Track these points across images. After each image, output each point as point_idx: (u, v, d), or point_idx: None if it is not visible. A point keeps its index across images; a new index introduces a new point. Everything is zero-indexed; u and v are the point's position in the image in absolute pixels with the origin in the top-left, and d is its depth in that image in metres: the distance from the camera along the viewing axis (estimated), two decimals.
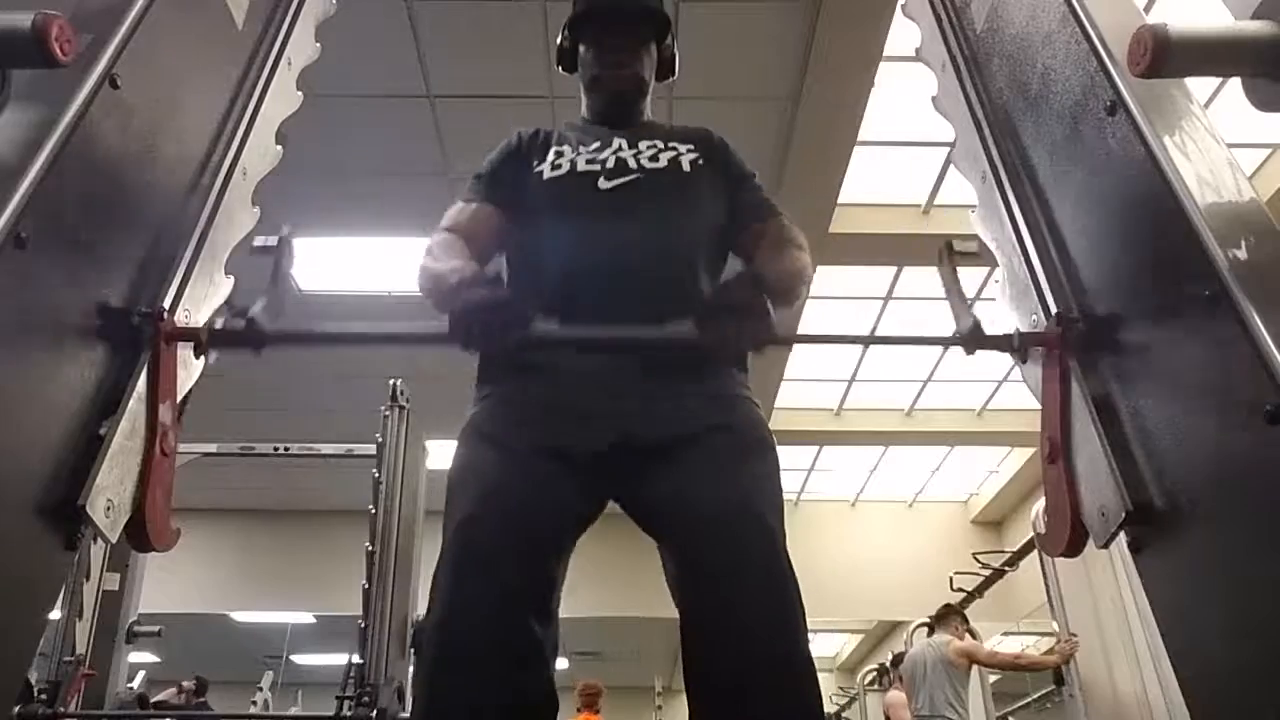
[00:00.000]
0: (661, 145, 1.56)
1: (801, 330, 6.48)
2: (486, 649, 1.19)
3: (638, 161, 1.52)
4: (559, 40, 1.69)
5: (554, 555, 1.30)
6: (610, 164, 1.51)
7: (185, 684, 6.29)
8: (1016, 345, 1.15)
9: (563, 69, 1.70)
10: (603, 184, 1.49)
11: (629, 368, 1.38)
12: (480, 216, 1.53)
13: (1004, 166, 1.26)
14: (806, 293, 1.50)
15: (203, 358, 1.14)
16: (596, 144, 1.55)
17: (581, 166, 1.52)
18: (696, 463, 1.31)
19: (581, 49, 1.65)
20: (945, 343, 1.23)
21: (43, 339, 0.90)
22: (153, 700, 5.85)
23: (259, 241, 1.23)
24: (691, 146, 1.57)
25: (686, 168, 1.54)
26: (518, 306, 1.23)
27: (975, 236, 1.30)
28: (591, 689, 7.02)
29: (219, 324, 1.15)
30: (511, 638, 1.20)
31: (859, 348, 7.13)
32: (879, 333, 6.92)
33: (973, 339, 1.19)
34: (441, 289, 1.32)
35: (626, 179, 1.50)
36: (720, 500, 1.27)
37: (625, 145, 1.54)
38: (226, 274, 1.24)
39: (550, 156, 1.55)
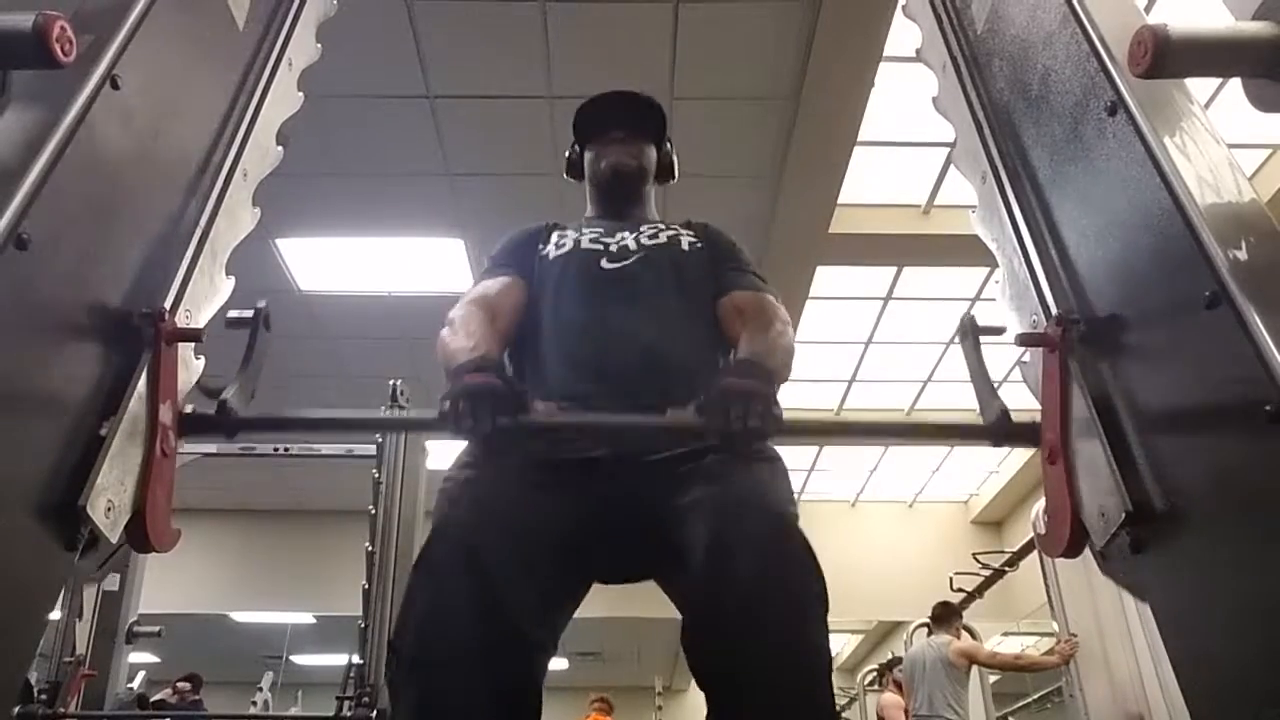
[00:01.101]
0: (663, 227, 1.64)
1: (801, 331, 6.50)
2: (464, 649, 1.16)
3: (639, 243, 1.58)
4: (566, 153, 1.78)
5: (543, 560, 1.26)
6: (614, 248, 1.57)
7: (180, 684, 6.27)
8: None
9: (572, 178, 1.79)
10: (605, 264, 1.55)
11: (630, 388, 1.39)
12: (507, 287, 1.56)
13: (1004, 167, 1.26)
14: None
15: (203, 358, 1.14)
16: (601, 229, 1.62)
17: (585, 245, 1.58)
18: (700, 471, 1.31)
19: (586, 151, 1.73)
20: (971, 435, 1.17)
21: (43, 339, 0.90)
22: (152, 700, 5.85)
23: (234, 314, 1.18)
24: (692, 234, 1.65)
25: (685, 248, 1.61)
26: (512, 395, 1.21)
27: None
28: (605, 700, 7.07)
29: (189, 409, 1.10)
30: (490, 638, 1.17)
31: (860, 347, 7.14)
32: (878, 338, 6.94)
33: (1001, 431, 1.13)
34: (449, 368, 1.33)
35: (628, 261, 1.55)
36: (736, 498, 1.26)
37: (628, 232, 1.60)
38: (227, 274, 1.24)
39: (554, 238, 1.62)
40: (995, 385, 1.15)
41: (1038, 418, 1.10)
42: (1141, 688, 4.19)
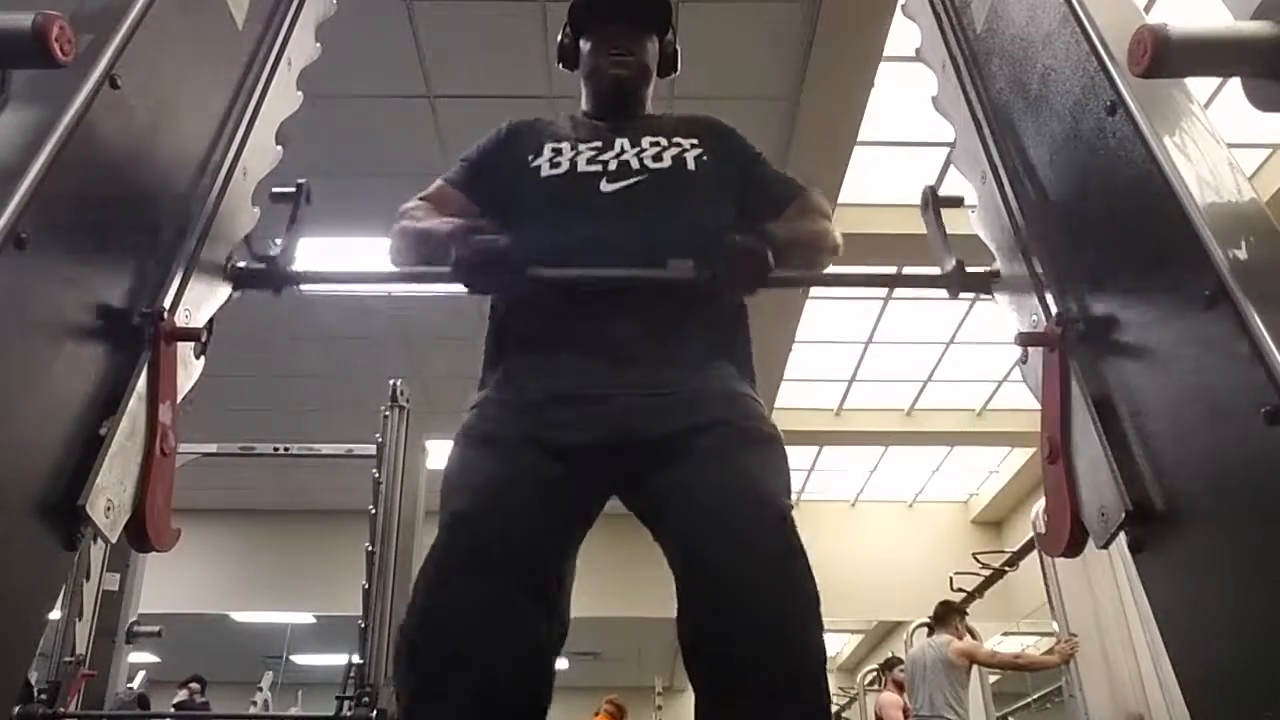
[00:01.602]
0: (665, 143, 1.53)
1: (801, 331, 6.50)
2: (470, 642, 1.17)
3: (641, 161, 1.49)
4: (560, 37, 1.67)
5: (548, 548, 1.28)
6: (613, 166, 1.48)
7: (192, 685, 6.28)
8: (996, 289, 1.23)
9: (564, 66, 1.68)
10: (605, 186, 1.46)
11: (627, 367, 1.36)
12: (452, 199, 1.54)
13: (1004, 166, 1.25)
14: (828, 260, 1.52)
15: (203, 358, 1.14)
16: (598, 143, 1.52)
17: (583, 166, 1.49)
18: (700, 453, 1.29)
19: (582, 42, 1.63)
20: (930, 283, 1.31)
21: (43, 339, 0.90)
22: (174, 703, 5.86)
23: (277, 189, 1.31)
24: (695, 140, 1.54)
25: (692, 165, 1.51)
26: (517, 254, 1.29)
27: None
28: (616, 703, 7.08)
29: (240, 263, 1.23)
30: (497, 631, 1.18)
31: (859, 348, 7.14)
32: (878, 337, 6.94)
33: (956, 280, 1.27)
34: (434, 238, 1.35)
35: (630, 181, 1.47)
36: (728, 485, 1.26)
37: (628, 145, 1.51)
38: (224, 279, 1.24)
39: (548, 153, 1.51)
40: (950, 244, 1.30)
41: (1037, 416, 1.10)
42: (1141, 688, 4.19)
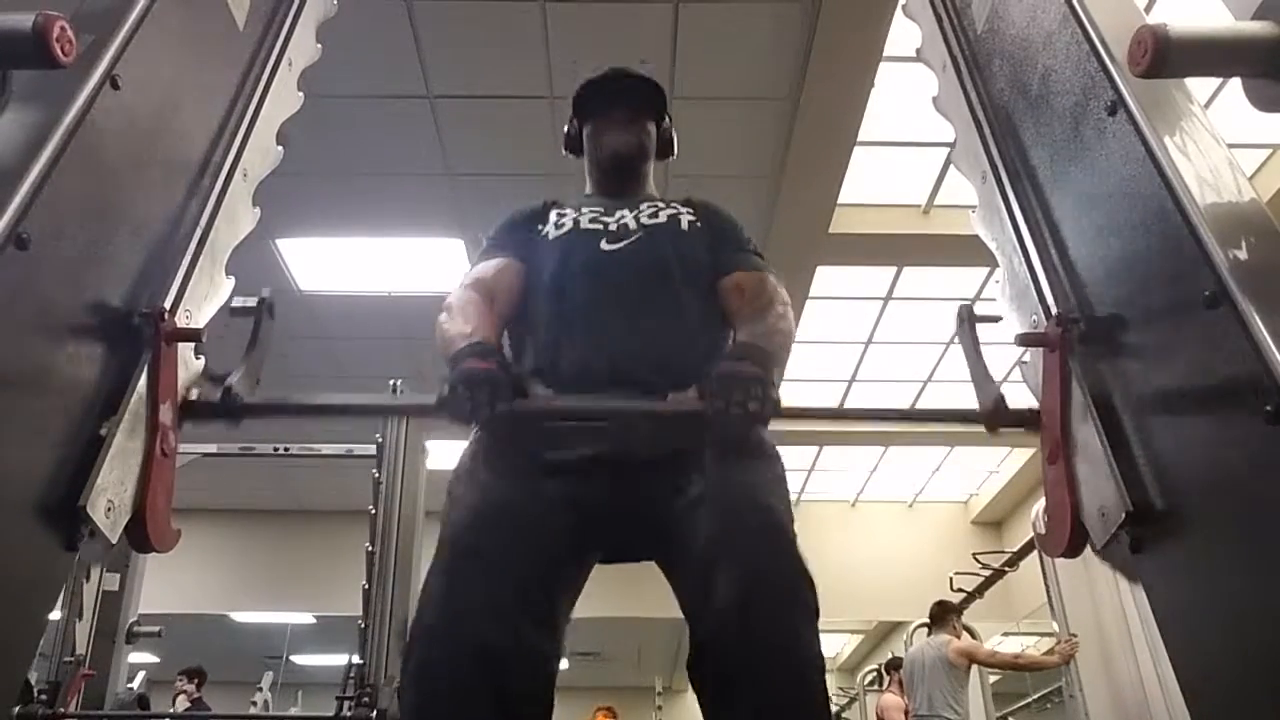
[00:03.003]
0: (662, 205, 1.62)
1: (801, 331, 6.50)
2: (474, 655, 1.18)
3: (638, 221, 1.56)
4: (565, 128, 1.76)
5: (551, 563, 1.28)
6: (614, 227, 1.55)
7: (188, 687, 6.26)
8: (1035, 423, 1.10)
9: (571, 154, 1.77)
10: (605, 245, 1.53)
11: (629, 387, 1.37)
12: (503, 270, 1.56)
13: (1004, 166, 1.26)
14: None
15: (203, 358, 1.14)
16: (600, 209, 1.60)
17: (585, 225, 1.56)
18: (700, 469, 1.31)
19: (585, 128, 1.71)
20: (968, 421, 1.18)
21: (43, 339, 0.90)
22: (185, 709, 5.84)
23: (238, 302, 1.21)
24: (690, 211, 1.63)
25: (684, 227, 1.59)
26: (509, 380, 1.25)
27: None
28: (611, 710, 7.10)
29: (194, 394, 1.11)
30: (500, 645, 1.19)
31: (860, 347, 7.13)
32: (878, 337, 6.94)
33: (996, 416, 1.14)
34: (448, 354, 1.34)
35: (628, 241, 1.54)
36: (731, 506, 1.27)
37: (628, 211, 1.59)
38: (227, 274, 1.24)
39: (553, 218, 1.60)
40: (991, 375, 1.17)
41: (1033, 403, 1.10)
42: (1141, 688, 4.19)
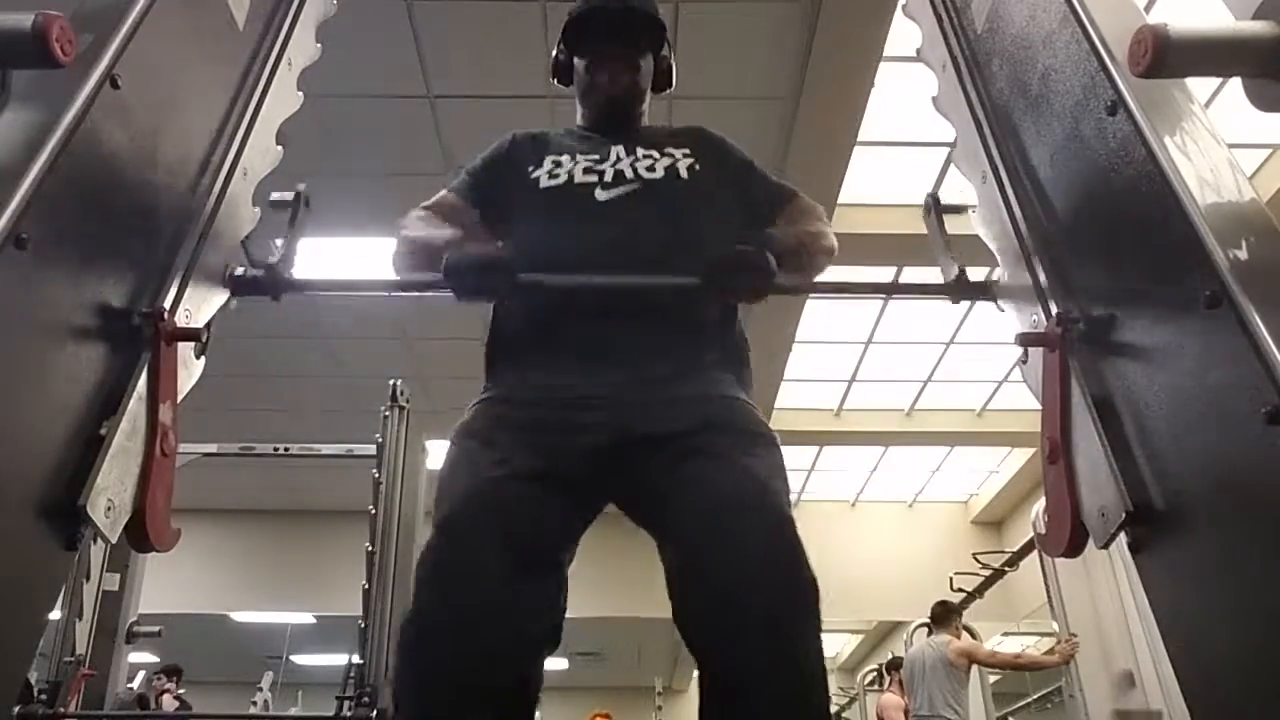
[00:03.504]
0: (657, 154, 1.55)
1: (801, 331, 6.50)
2: (466, 646, 1.18)
3: (635, 171, 1.51)
4: (554, 53, 1.68)
5: (543, 552, 1.28)
6: (608, 175, 1.51)
7: (169, 685, 6.20)
8: (996, 294, 1.24)
9: (559, 81, 1.69)
10: (600, 195, 1.49)
11: (625, 372, 1.37)
12: (458, 209, 1.55)
13: (1004, 166, 1.26)
14: (826, 262, 1.54)
15: (203, 358, 1.14)
16: (595, 155, 1.54)
17: (579, 177, 1.51)
18: (698, 455, 1.30)
19: (577, 60, 1.64)
20: (930, 291, 1.33)
21: (43, 339, 0.90)
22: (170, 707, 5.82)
23: (275, 196, 1.31)
24: (687, 150, 1.56)
25: (684, 174, 1.53)
26: (508, 260, 1.30)
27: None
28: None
29: (239, 271, 1.24)
30: (490, 632, 1.19)
31: (859, 348, 7.14)
32: (878, 337, 6.94)
33: (957, 287, 1.28)
34: (432, 247, 1.36)
35: (624, 189, 1.49)
36: (729, 487, 1.26)
37: (623, 154, 1.54)
38: (223, 285, 1.24)
39: (547, 165, 1.54)
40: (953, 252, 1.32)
41: (1037, 416, 1.10)
42: (1141, 688, 4.19)
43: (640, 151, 1.54)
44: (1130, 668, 4.25)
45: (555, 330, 1.42)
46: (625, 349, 1.38)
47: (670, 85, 1.71)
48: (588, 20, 1.62)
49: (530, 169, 1.54)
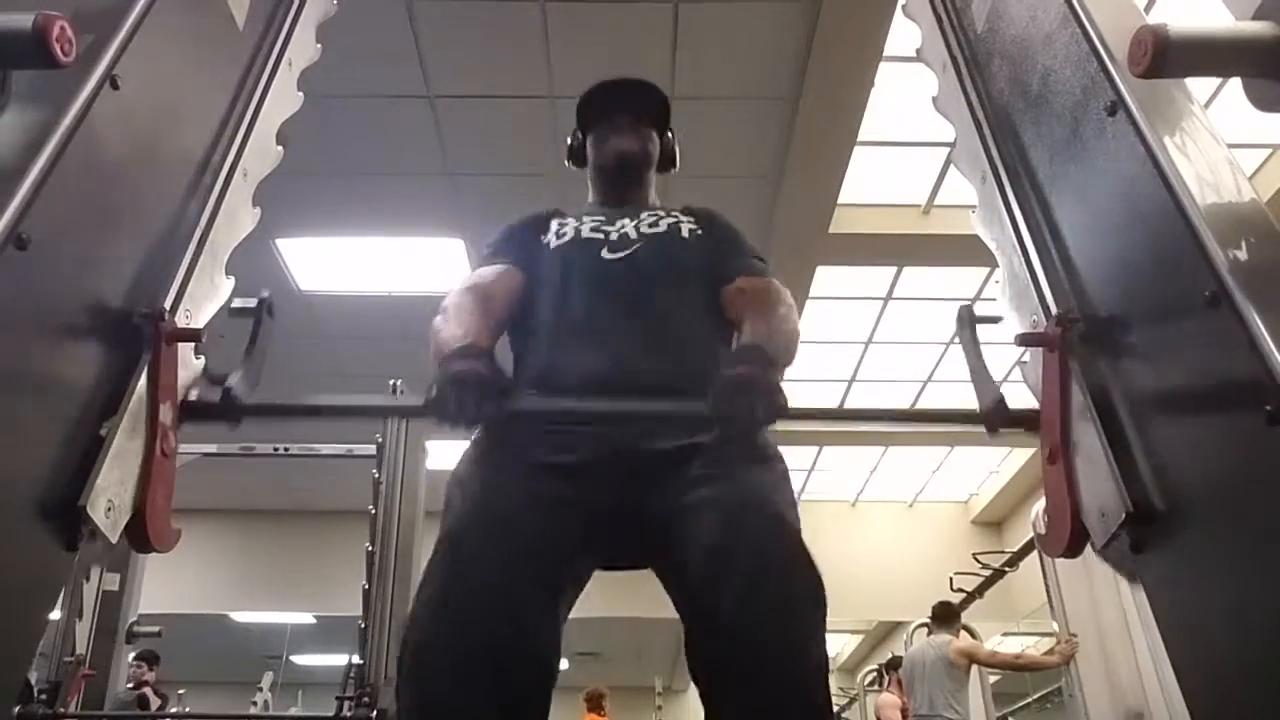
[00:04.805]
0: (663, 214, 1.62)
1: (801, 330, 6.50)
2: (470, 658, 1.17)
3: (638, 230, 1.57)
4: (569, 140, 1.76)
5: (550, 566, 1.27)
6: (615, 236, 1.56)
7: (147, 674, 6.11)
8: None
9: (574, 165, 1.77)
10: (606, 254, 1.54)
11: (629, 387, 1.37)
12: (502, 275, 1.56)
13: (1004, 167, 1.26)
14: (796, 348, 1.50)
15: (203, 358, 1.14)
16: (602, 218, 1.60)
17: (586, 234, 1.57)
18: (705, 470, 1.31)
19: (590, 134, 1.72)
20: (968, 422, 1.17)
21: (43, 339, 0.90)
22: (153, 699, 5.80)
23: (238, 303, 1.20)
24: (692, 219, 1.63)
25: (685, 235, 1.59)
26: (496, 381, 1.24)
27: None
28: (596, 692, 7.09)
29: (194, 395, 1.10)
30: (499, 649, 1.18)
31: (860, 347, 7.14)
32: (878, 337, 6.94)
33: (996, 417, 1.13)
34: (439, 356, 1.33)
35: (629, 250, 1.54)
36: (738, 501, 1.27)
37: (629, 220, 1.59)
38: (227, 274, 1.24)
39: (554, 227, 1.61)
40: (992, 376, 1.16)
41: (1034, 403, 1.10)
42: (1141, 688, 4.19)
43: (645, 214, 1.62)
44: (1130, 668, 4.25)
45: (563, 349, 1.46)
46: (632, 367, 1.40)
47: (674, 167, 1.79)
48: (597, 98, 1.71)
49: (541, 236, 1.61)
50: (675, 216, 1.63)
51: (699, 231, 1.61)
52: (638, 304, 1.49)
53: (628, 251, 1.54)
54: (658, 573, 1.37)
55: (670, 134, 1.76)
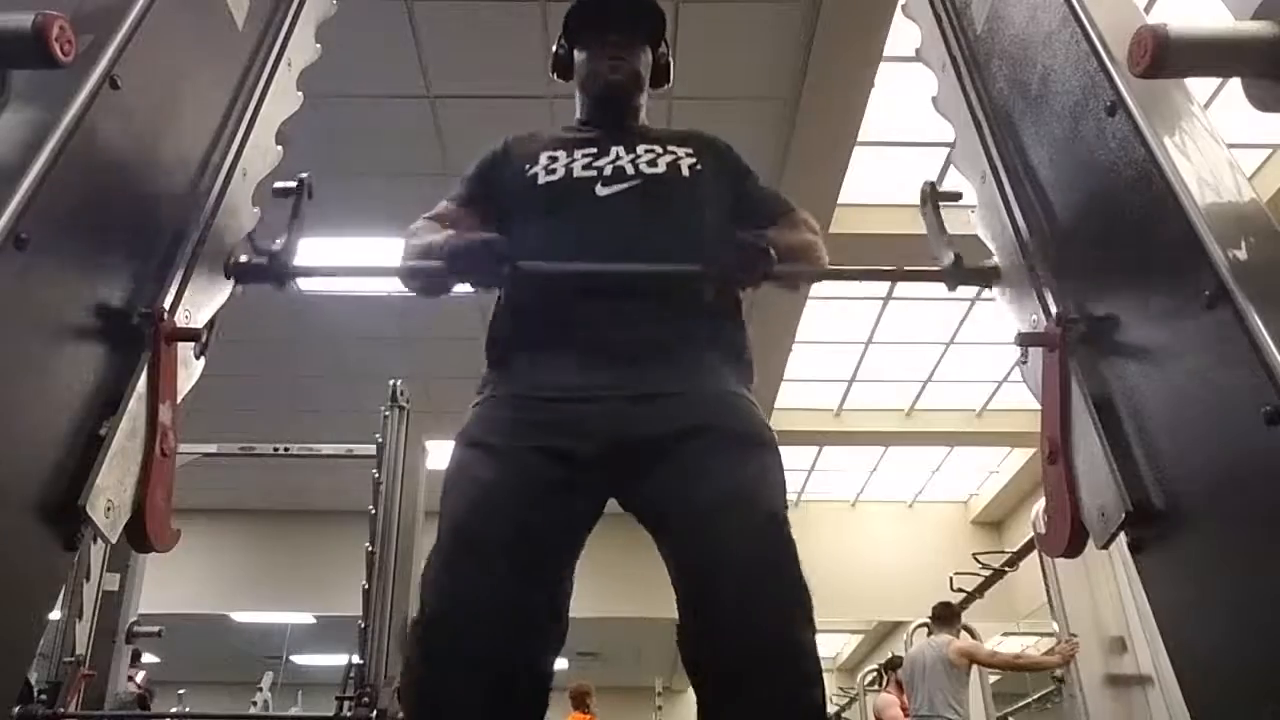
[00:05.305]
0: (659, 150, 1.54)
1: (801, 331, 6.50)
2: (477, 648, 1.19)
3: (636, 167, 1.51)
4: (554, 48, 1.68)
5: (549, 554, 1.29)
6: (608, 171, 1.50)
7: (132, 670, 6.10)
8: (994, 282, 1.25)
9: (559, 76, 1.69)
10: (600, 190, 1.48)
11: (623, 369, 1.37)
12: (459, 216, 1.54)
13: (1004, 167, 1.26)
14: (818, 272, 1.56)
15: (203, 358, 1.14)
16: (593, 149, 1.53)
17: (578, 172, 1.50)
18: (696, 455, 1.30)
19: (577, 51, 1.64)
20: (929, 277, 1.32)
21: (43, 339, 0.90)
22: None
23: (279, 185, 1.31)
24: (690, 150, 1.56)
25: (686, 172, 1.53)
26: (506, 248, 1.30)
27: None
28: (580, 689, 7.08)
29: (244, 258, 1.24)
30: (500, 633, 1.20)
31: (859, 348, 7.14)
32: (878, 337, 6.94)
33: (955, 274, 1.28)
34: (434, 248, 1.35)
35: (625, 185, 1.49)
36: (722, 490, 1.27)
37: (623, 151, 1.53)
38: (227, 275, 1.24)
39: (543, 160, 1.53)
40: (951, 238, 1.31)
41: (1037, 416, 1.10)
42: (1141, 688, 4.19)
43: (641, 148, 1.54)
44: (1130, 668, 4.25)
45: (554, 327, 1.41)
46: (625, 347, 1.38)
47: (668, 81, 1.71)
48: (588, 9, 1.62)
49: (527, 167, 1.54)
50: (673, 152, 1.55)
51: (699, 167, 1.54)
52: (635, 245, 1.41)
53: (623, 186, 1.49)
54: (652, 531, 1.35)
55: (665, 47, 1.68)
